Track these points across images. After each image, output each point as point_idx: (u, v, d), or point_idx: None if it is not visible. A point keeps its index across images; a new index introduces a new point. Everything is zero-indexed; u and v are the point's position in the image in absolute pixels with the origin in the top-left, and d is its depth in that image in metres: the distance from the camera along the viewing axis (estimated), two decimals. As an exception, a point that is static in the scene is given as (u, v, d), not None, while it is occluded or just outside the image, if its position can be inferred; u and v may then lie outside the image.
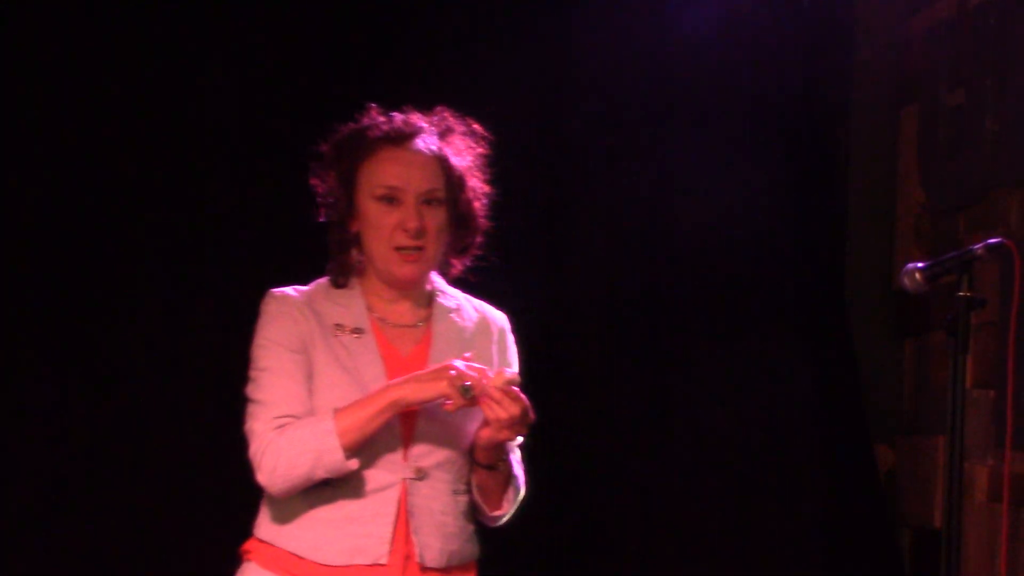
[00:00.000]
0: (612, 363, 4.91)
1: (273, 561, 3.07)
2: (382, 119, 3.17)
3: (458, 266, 3.24)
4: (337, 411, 3.01)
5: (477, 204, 3.20)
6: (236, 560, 3.15)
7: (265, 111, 4.66)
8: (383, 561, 3.03)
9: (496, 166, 4.74)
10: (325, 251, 3.20)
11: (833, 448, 5.01)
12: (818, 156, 5.16)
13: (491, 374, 3.02)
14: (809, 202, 5.10)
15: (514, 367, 3.21)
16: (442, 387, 2.97)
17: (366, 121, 3.17)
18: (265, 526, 3.11)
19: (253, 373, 3.10)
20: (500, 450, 3.10)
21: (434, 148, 3.15)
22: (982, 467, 4.54)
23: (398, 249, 3.09)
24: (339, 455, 2.99)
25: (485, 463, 3.11)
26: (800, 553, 4.93)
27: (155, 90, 4.59)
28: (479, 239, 3.22)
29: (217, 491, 4.43)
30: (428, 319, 3.16)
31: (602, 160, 4.95)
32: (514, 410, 2.98)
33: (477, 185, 3.20)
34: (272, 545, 3.08)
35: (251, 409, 3.08)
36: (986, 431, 4.49)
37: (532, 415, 3.02)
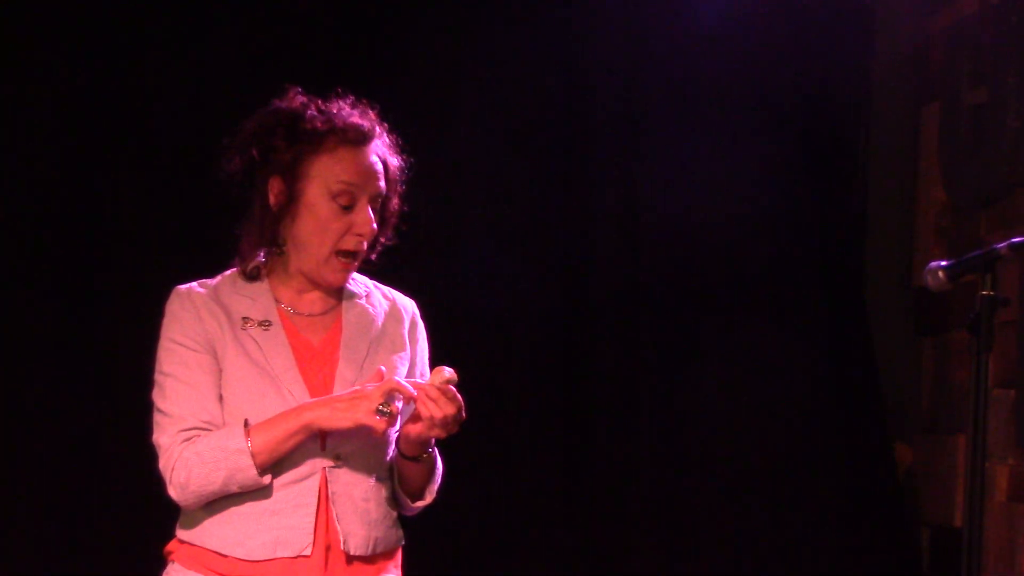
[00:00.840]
0: (629, 357, 4.90)
1: (196, 560, 3.04)
2: (320, 107, 3.09)
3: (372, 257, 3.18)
4: (250, 428, 2.98)
5: (397, 205, 3.16)
6: (160, 562, 3.13)
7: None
8: (307, 552, 3.01)
9: (515, 158, 4.80)
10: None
11: (852, 446, 5.00)
12: (838, 154, 5.15)
13: (421, 374, 3.03)
14: (829, 200, 5.10)
15: (424, 352, 3.20)
16: (358, 419, 2.95)
17: (296, 106, 3.08)
18: (186, 526, 3.08)
19: (158, 377, 3.06)
20: (426, 443, 3.07)
21: (382, 151, 3.12)
22: (1002, 466, 4.53)
23: (340, 253, 3.06)
24: (252, 473, 2.98)
25: (411, 455, 3.08)
26: (819, 551, 4.93)
27: (148, 89, 4.60)
28: (388, 244, 3.18)
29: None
30: (337, 307, 3.13)
31: (619, 156, 4.94)
32: (450, 410, 2.96)
33: (400, 189, 3.17)
34: (193, 544, 3.05)
35: (157, 419, 3.05)
36: (1006, 431, 4.49)
37: (464, 414, 2.99)
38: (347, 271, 3.09)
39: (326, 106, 3.10)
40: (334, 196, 3.04)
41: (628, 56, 4.92)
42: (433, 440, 3.08)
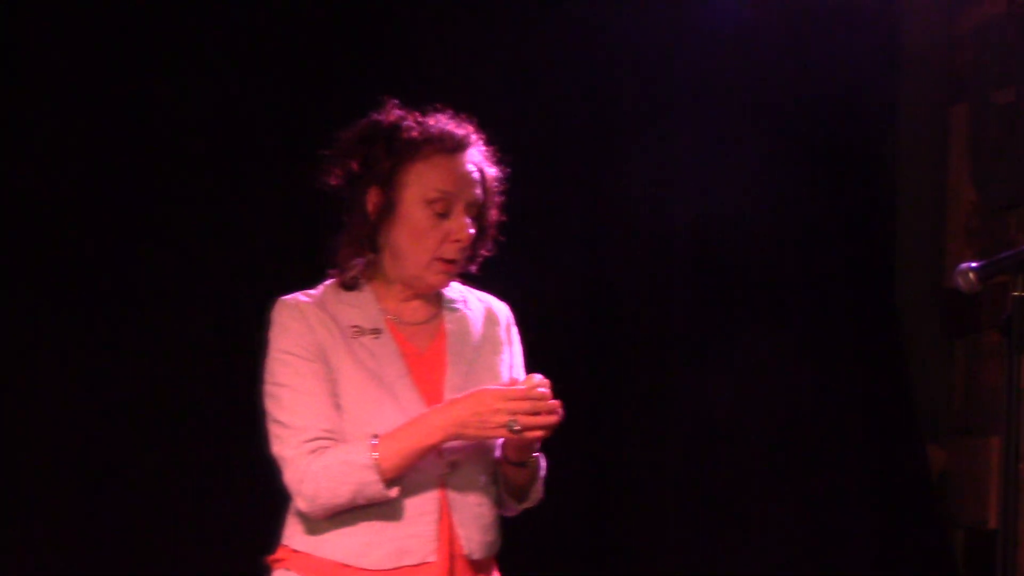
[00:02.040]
0: (657, 359, 4.90)
1: (312, 570, 3.04)
2: (417, 119, 3.12)
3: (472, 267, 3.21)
4: (379, 441, 2.98)
5: (496, 216, 3.18)
6: (262, 570, 3.12)
7: (273, 110, 4.66)
8: (431, 559, 3.02)
9: (540, 159, 4.80)
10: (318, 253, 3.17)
11: (885, 449, 4.99)
12: (867, 156, 5.14)
13: (520, 381, 3.04)
14: (858, 203, 5.09)
15: (519, 355, 3.22)
16: (492, 435, 2.98)
17: (393, 118, 3.12)
18: (299, 536, 3.07)
19: (271, 388, 3.06)
20: (531, 448, 3.09)
21: (479, 161, 3.14)
22: (1036, 467, 4.51)
23: (440, 260, 3.08)
24: (380, 487, 2.97)
25: (517, 460, 3.09)
26: (853, 554, 4.92)
27: (157, 90, 4.59)
28: (489, 246, 3.20)
29: (233, 500, 4.46)
30: (439, 314, 3.15)
31: (646, 157, 4.94)
32: (552, 420, 2.98)
33: (498, 200, 3.19)
34: (311, 555, 3.04)
35: (276, 431, 3.04)
36: (1039, 431, 4.46)
37: (562, 415, 3.00)
38: (448, 274, 3.11)
39: (423, 118, 3.14)
40: (430, 203, 3.06)
41: (655, 57, 4.92)
42: (538, 454, 3.12)
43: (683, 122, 4.94)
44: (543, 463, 3.18)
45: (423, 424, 2.98)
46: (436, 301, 3.16)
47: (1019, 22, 4.73)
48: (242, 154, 4.62)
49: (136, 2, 4.58)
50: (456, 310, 3.17)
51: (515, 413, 2.94)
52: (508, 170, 3.20)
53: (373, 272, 3.14)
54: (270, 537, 3.13)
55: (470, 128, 3.15)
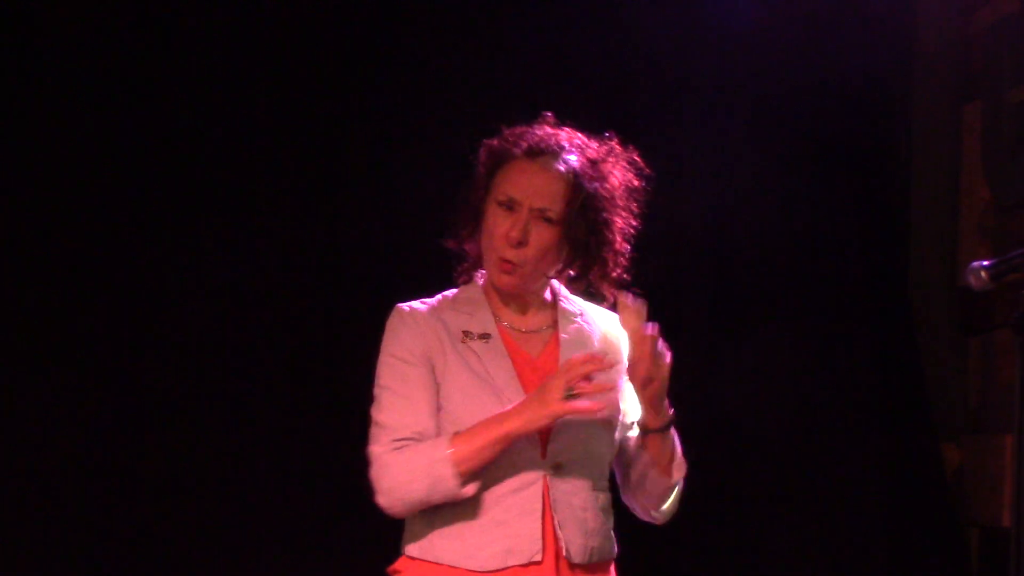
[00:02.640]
0: (672, 355, 4.89)
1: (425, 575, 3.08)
2: (524, 129, 3.18)
3: (607, 291, 3.21)
4: (454, 437, 3.01)
5: (608, 232, 3.18)
6: None
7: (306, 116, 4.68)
8: (538, 559, 3.04)
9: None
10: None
11: (899, 448, 4.99)
12: (880, 154, 5.14)
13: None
14: (872, 201, 5.08)
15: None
16: (553, 411, 2.98)
17: (516, 129, 3.18)
18: (412, 542, 3.10)
19: (376, 391, 3.12)
20: (663, 407, 3.10)
21: (566, 167, 3.14)
22: (1050, 465, 4.51)
23: (498, 259, 3.10)
24: (453, 483, 3.00)
25: (656, 427, 3.11)
26: (867, 552, 4.92)
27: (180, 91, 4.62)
28: (617, 267, 3.20)
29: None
30: (554, 324, 3.18)
31: (659, 152, 4.93)
32: (607, 384, 3.01)
33: (614, 213, 3.19)
34: (424, 560, 3.08)
35: (373, 431, 3.09)
36: (1054, 429, 4.46)
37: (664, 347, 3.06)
38: (506, 274, 3.11)
39: (532, 127, 3.20)
40: (500, 205, 3.11)
41: (667, 57, 4.92)
42: (670, 410, 3.12)
43: (696, 121, 4.95)
44: (678, 446, 3.17)
45: (496, 419, 3.01)
46: (552, 312, 3.19)
47: (1033, 20, 4.73)
48: (259, 154, 4.65)
49: (142, 3, 4.60)
50: (573, 321, 3.19)
51: (571, 382, 2.97)
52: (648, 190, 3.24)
53: (488, 279, 3.18)
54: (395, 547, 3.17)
55: (568, 138, 3.18)
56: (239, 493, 4.54)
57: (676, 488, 3.19)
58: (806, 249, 4.99)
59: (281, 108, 4.65)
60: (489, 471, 3.02)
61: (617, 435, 3.16)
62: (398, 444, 3.04)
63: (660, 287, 4.83)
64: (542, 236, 3.10)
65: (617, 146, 3.24)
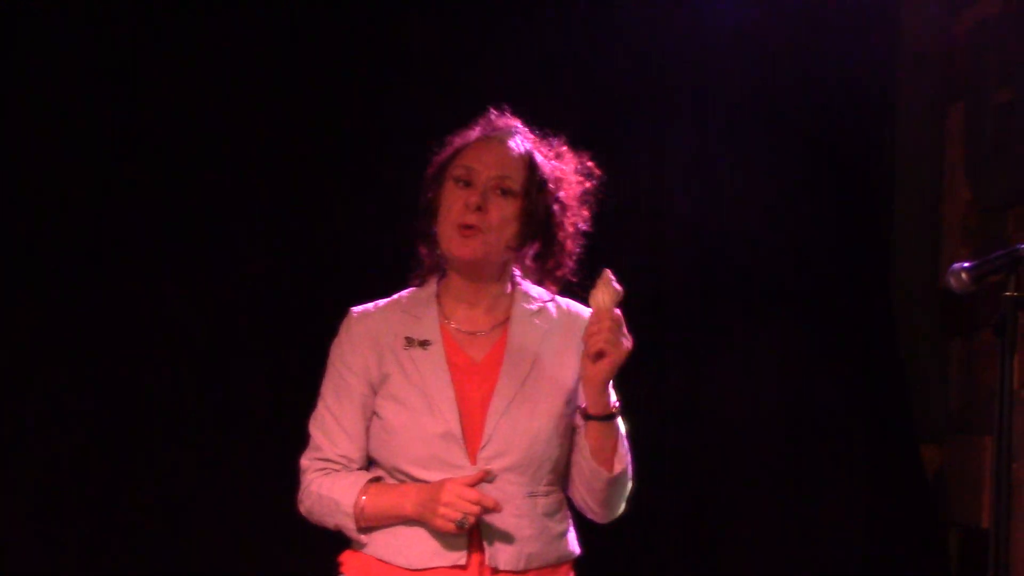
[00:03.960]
0: (654, 358, 4.89)
1: (364, 569, 3.13)
2: (522, 120, 3.22)
3: (550, 285, 3.22)
4: (368, 488, 3.09)
5: (563, 218, 3.18)
6: (333, 569, 3.19)
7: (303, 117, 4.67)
8: (462, 563, 3.06)
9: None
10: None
11: (880, 448, 4.99)
12: (863, 154, 5.14)
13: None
14: (854, 201, 5.08)
15: None
16: (438, 524, 3.02)
17: (469, 126, 3.22)
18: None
19: (319, 395, 3.19)
20: (607, 395, 3.06)
21: (524, 146, 3.17)
22: (1030, 467, 4.51)
23: (457, 226, 3.09)
24: (354, 534, 3.13)
25: (597, 414, 3.07)
26: (846, 553, 4.92)
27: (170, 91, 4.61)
28: (567, 262, 3.20)
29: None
30: (505, 324, 3.16)
31: (645, 156, 4.94)
32: (607, 328, 2.99)
33: (569, 200, 3.20)
34: (363, 554, 3.13)
35: (309, 439, 3.18)
36: (1034, 431, 4.46)
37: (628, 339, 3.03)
38: (464, 239, 3.09)
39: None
40: (456, 180, 3.13)
41: (654, 57, 4.92)
42: (615, 399, 3.09)
43: (681, 121, 4.95)
44: (624, 440, 3.13)
45: (402, 495, 3.07)
46: (503, 309, 3.17)
47: (1017, 21, 4.73)
48: (248, 156, 4.64)
49: (140, 4, 4.59)
50: (524, 319, 3.16)
51: (465, 511, 2.99)
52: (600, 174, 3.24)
53: (441, 280, 3.18)
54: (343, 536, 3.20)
55: (518, 122, 3.21)
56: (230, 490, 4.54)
57: (620, 483, 3.14)
58: (788, 249, 4.99)
59: (280, 108, 4.65)
60: (419, 474, 3.07)
61: (565, 432, 3.12)
62: (322, 465, 3.13)
63: (643, 289, 4.90)
64: (502, 205, 3.11)
65: (566, 149, 3.24)
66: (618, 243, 4.88)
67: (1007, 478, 2.84)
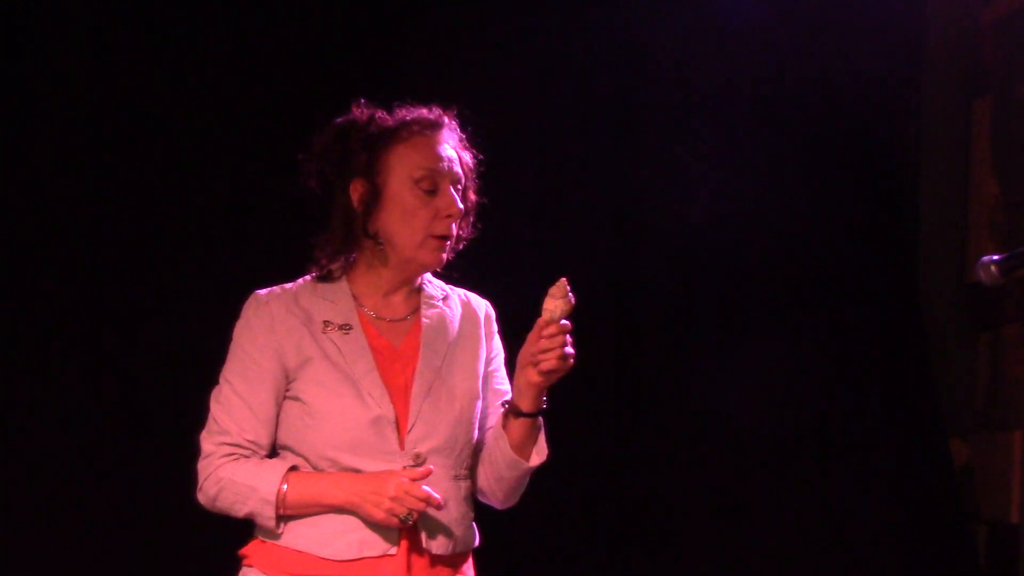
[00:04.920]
0: (679, 352, 4.90)
1: (275, 562, 3.07)
2: (387, 112, 3.16)
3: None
4: (290, 477, 3.03)
5: (475, 199, 3.19)
6: (235, 564, 3.14)
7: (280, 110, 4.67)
8: (392, 552, 3.04)
9: (555, 163, 4.80)
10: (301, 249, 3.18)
11: (908, 444, 4.98)
12: (890, 149, 5.13)
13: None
14: (881, 196, 5.08)
15: (499, 351, 3.23)
16: (380, 517, 2.99)
17: (366, 113, 3.15)
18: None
19: (221, 378, 3.12)
20: (542, 394, 3.05)
21: (459, 137, 3.17)
22: (1059, 462, 4.51)
23: (434, 236, 3.09)
24: (271, 523, 3.04)
25: (530, 411, 3.06)
26: (875, 549, 4.91)
27: (159, 90, 4.60)
28: (467, 237, 3.20)
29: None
30: (417, 311, 3.16)
31: (668, 152, 4.94)
32: (555, 346, 2.97)
33: (476, 183, 3.20)
34: (275, 544, 3.07)
35: (208, 419, 3.11)
36: (1063, 425, 4.46)
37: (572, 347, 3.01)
38: (442, 251, 3.11)
39: (394, 109, 3.18)
40: (416, 182, 3.09)
41: (676, 55, 4.92)
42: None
43: (705, 119, 4.94)
44: (543, 433, 3.13)
45: (333, 483, 3.03)
46: (416, 297, 3.17)
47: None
48: (242, 155, 4.63)
49: (140, 3, 4.60)
50: (435, 307, 3.17)
51: (411, 509, 2.98)
52: (482, 156, 3.21)
53: (352, 267, 3.15)
54: (246, 530, 3.15)
55: (441, 111, 3.17)
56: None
57: (529, 475, 3.15)
58: (815, 245, 4.99)
59: (279, 109, 4.64)
60: (348, 460, 3.04)
61: (478, 421, 3.14)
62: (229, 449, 3.06)
63: (667, 287, 4.90)
64: (460, 205, 3.13)
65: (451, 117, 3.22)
66: (641, 246, 4.91)
67: (1036, 472, 2.84)
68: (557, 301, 2.98)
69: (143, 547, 4.49)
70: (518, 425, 3.08)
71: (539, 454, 3.12)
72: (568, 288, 2.98)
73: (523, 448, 3.10)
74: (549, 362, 2.98)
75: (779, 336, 4.93)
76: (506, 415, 3.08)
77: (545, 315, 2.97)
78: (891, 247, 5.08)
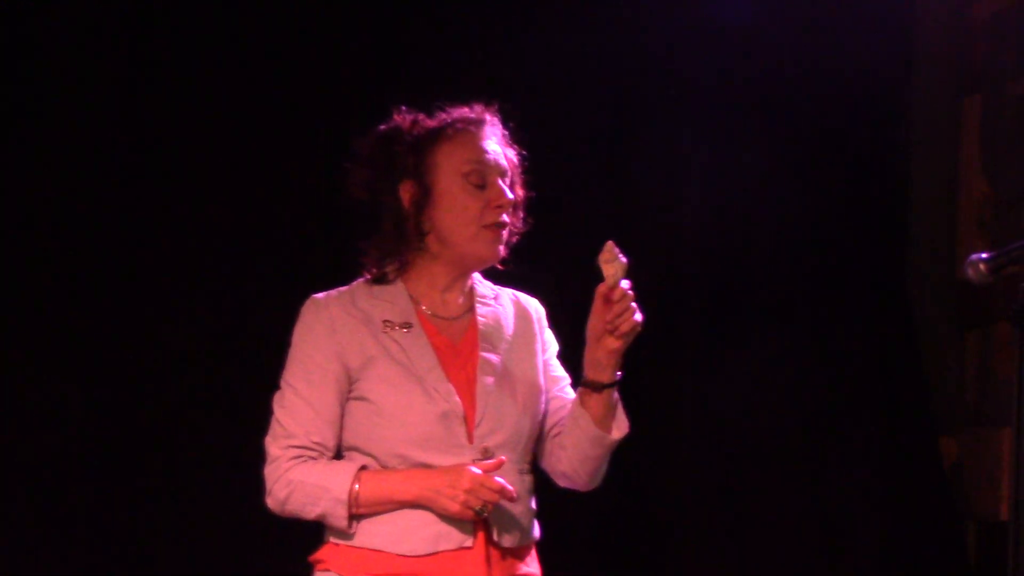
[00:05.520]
0: (670, 351, 4.90)
1: (351, 564, 3.07)
2: (427, 115, 3.19)
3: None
4: (362, 476, 3.04)
5: (522, 193, 3.22)
6: (306, 570, 3.14)
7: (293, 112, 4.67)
8: (468, 544, 3.05)
9: (551, 157, 4.79)
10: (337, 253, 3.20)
11: (897, 441, 4.99)
12: (879, 146, 5.13)
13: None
14: (870, 194, 5.08)
15: (553, 350, 3.27)
16: (455, 510, 3.01)
17: (408, 117, 3.18)
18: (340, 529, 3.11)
19: (282, 383, 3.13)
20: (618, 364, 3.08)
21: (497, 136, 3.20)
22: (1048, 459, 4.50)
23: (488, 227, 3.12)
24: (343, 523, 3.05)
25: (607, 381, 3.09)
26: (864, 547, 4.91)
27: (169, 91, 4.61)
28: (519, 231, 3.23)
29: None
30: (472, 310, 3.19)
31: (657, 150, 4.94)
32: (633, 315, 3.01)
33: (522, 177, 3.24)
34: (351, 546, 3.08)
35: (273, 424, 3.12)
36: (1052, 423, 4.45)
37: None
38: (498, 242, 3.14)
39: (435, 113, 3.22)
40: (465, 176, 3.12)
41: (665, 54, 4.92)
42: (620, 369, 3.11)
43: (693, 117, 4.94)
44: (620, 405, 3.15)
45: (405, 479, 3.05)
46: (469, 296, 3.20)
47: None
48: (253, 153, 4.63)
49: (143, 4, 4.60)
50: (488, 304, 3.21)
51: (486, 501, 3.00)
52: (526, 152, 3.24)
53: (406, 268, 3.18)
54: (314, 535, 3.15)
55: (482, 108, 3.21)
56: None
57: (612, 450, 3.17)
58: (804, 243, 4.99)
59: (279, 108, 4.64)
60: (418, 456, 3.05)
61: (539, 413, 3.17)
62: (297, 452, 3.07)
63: (656, 285, 4.90)
64: (511, 195, 3.16)
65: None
66: (630, 242, 4.90)
67: (1024, 470, 2.84)
68: (612, 265, 3.01)
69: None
70: (599, 401, 3.09)
71: (620, 427, 3.14)
72: (617, 250, 3.02)
73: (604, 423, 3.12)
74: (626, 323, 3.02)
75: (767, 335, 4.94)
76: (585, 392, 3.10)
77: (609, 280, 3.01)
78: (880, 245, 5.08)
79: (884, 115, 5.15)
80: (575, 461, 3.16)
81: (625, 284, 3.02)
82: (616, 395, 3.12)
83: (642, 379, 4.85)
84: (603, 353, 3.06)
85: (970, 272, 2.92)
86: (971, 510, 5.07)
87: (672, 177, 4.93)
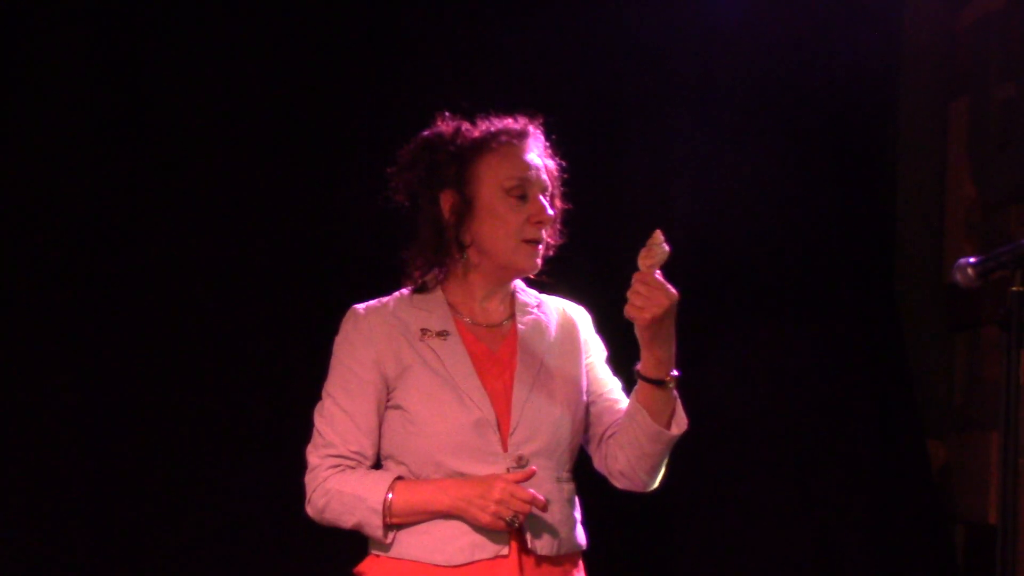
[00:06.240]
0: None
1: (391, 574, 3.09)
2: (471, 123, 3.20)
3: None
4: (396, 486, 3.06)
5: (561, 207, 3.25)
6: None
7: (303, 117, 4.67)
8: (504, 552, 3.06)
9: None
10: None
11: (885, 444, 4.99)
12: (867, 150, 5.14)
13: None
14: (858, 197, 5.08)
15: (601, 355, 3.28)
16: (486, 521, 3.02)
17: (451, 125, 3.20)
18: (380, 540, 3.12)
19: (323, 393, 3.16)
20: (666, 363, 3.10)
21: (539, 149, 3.21)
22: (1036, 462, 4.51)
23: (527, 242, 3.13)
24: (378, 532, 3.07)
25: (660, 376, 3.10)
26: (853, 549, 4.91)
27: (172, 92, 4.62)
28: (556, 244, 3.24)
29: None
30: (512, 317, 3.21)
31: (647, 149, 4.94)
32: (657, 294, 3.04)
33: (560, 192, 3.26)
34: (391, 558, 3.10)
35: (314, 433, 3.15)
36: (1039, 426, 4.46)
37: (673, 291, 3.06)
38: (536, 255, 3.16)
39: (478, 121, 3.22)
40: (507, 191, 3.14)
41: (655, 54, 4.92)
42: (676, 371, 3.12)
43: (683, 118, 4.94)
44: (680, 404, 3.16)
45: (438, 489, 3.06)
46: (510, 304, 3.22)
47: (1020, 16, 4.73)
48: (262, 157, 4.65)
49: (145, 4, 4.60)
50: (530, 312, 3.22)
51: (517, 511, 3.01)
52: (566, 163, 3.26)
53: (446, 276, 3.19)
54: (358, 548, 3.17)
55: (526, 120, 3.22)
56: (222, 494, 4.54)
57: (671, 447, 3.17)
58: (791, 246, 4.99)
59: (278, 109, 4.65)
60: (452, 464, 3.06)
61: (580, 420, 3.18)
62: (335, 461, 3.10)
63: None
64: (551, 211, 3.19)
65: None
66: (620, 240, 4.91)
67: (1013, 473, 2.84)
68: (646, 252, 3.04)
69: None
70: (656, 397, 3.10)
71: (678, 424, 3.15)
72: (662, 239, 3.06)
73: (661, 419, 3.12)
74: (628, 311, 3.03)
75: (754, 338, 4.94)
76: (642, 388, 3.10)
77: (653, 260, 3.04)
78: (868, 248, 5.09)
79: (872, 118, 5.16)
80: (632, 458, 3.16)
81: (657, 273, 3.04)
82: (675, 394, 3.13)
83: (631, 379, 4.90)
84: (643, 344, 3.07)
85: (958, 276, 2.93)
86: (959, 513, 5.08)
87: (660, 177, 4.93)
